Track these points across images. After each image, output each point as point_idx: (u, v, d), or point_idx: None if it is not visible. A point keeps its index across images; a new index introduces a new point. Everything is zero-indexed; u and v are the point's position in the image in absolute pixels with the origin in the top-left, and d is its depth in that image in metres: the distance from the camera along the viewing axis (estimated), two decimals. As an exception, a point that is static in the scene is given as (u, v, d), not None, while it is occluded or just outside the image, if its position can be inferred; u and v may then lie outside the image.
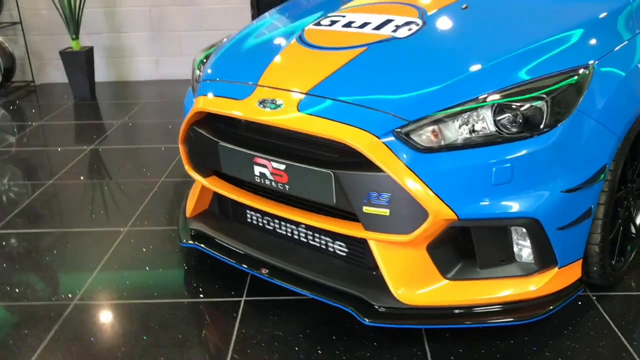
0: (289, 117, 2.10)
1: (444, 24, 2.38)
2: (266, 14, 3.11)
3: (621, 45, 2.19)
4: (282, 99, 2.16)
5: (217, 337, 2.18)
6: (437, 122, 1.94)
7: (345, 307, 2.10)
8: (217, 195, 2.63)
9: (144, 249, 2.82)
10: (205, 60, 2.78)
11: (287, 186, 2.17)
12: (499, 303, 2.04)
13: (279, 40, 2.57)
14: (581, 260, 2.13)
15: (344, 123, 1.99)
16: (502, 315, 2.03)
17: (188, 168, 2.62)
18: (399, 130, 1.93)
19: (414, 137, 1.94)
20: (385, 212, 1.96)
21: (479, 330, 2.11)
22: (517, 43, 2.14)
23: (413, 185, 1.89)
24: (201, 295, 2.43)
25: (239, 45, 2.71)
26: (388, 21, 2.42)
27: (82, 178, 3.68)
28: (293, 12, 3.03)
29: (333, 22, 2.54)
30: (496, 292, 2.04)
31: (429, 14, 2.44)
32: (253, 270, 2.36)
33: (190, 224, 2.66)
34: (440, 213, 1.90)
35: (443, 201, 1.90)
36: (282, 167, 2.14)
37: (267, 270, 2.33)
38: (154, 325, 2.24)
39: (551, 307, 2.06)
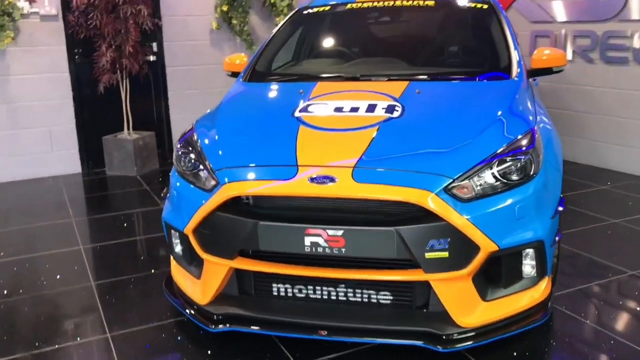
0: (349, 188, 2.44)
1: (418, 104, 2.97)
2: (222, 109, 3.32)
3: (533, 108, 3.05)
4: (334, 174, 2.49)
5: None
6: (469, 177, 2.49)
7: (415, 342, 2.47)
8: (236, 276, 2.74)
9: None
10: (186, 155, 2.90)
11: (343, 249, 2.47)
12: (521, 312, 2.62)
13: (281, 126, 2.88)
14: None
15: (403, 186, 2.42)
16: (526, 320, 2.62)
17: (204, 254, 2.69)
18: (449, 185, 2.44)
19: (455, 191, 2.46)
20: (445, 254, 2.42)
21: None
22: (482, 117, 2.84)
23: (467, 228, 2.40)
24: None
25: (240, 134, 2.93)
26: (373, 105, 2.92)
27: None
28: (255, 104, 3.36)
29: (321, 109, 2.94)
30: (518, 304, 2.62)
31: (398, 98, 3.02)
32: (311, 334, 2.56)
33: (212, 310, 2.71)
34: (487, 246, 2.43)
35: (489, 237, 2.44)
36: (339, 232, 2.45)
37: (325, 332, 2.55)
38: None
39: (549, 306, 2.72)
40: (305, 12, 4.16)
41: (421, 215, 2.42)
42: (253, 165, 2.66)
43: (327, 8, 4.11)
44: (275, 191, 2.53)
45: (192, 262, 2.91)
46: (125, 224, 4.51)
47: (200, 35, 6.41)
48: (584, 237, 3.92)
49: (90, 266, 3.73)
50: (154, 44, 6.17)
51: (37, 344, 2.81)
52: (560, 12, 5.92)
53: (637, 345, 2.66)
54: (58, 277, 3.58)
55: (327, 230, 2.46)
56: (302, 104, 3.03)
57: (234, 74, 4.03)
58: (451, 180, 2.46)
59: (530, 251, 2.62)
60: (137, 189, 5.51)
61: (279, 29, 4.12)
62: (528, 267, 2.65)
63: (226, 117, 3.16)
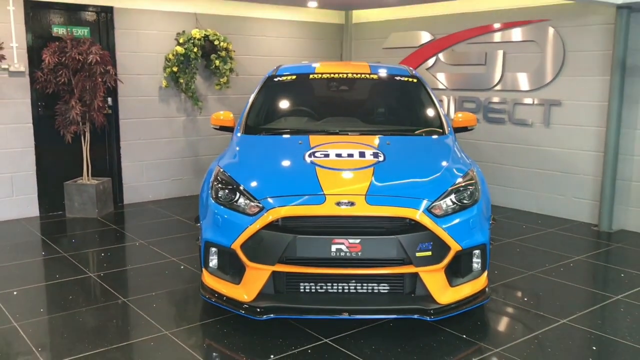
0: (365, 209, 3.53)
1: (393, 152, 4.12)
2: (242, 154, 4.29)
3: (464, 155, 4.33)
4: (353, 200, 3.55)
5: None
6: (440, 200, 3.66)
7: (412, 315, 3.54)
8: (272, 278, 3.65)
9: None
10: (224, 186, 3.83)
11: (359, 253, 3.52)
12: (473, 294, 3.79)
13: (301, 167, 3.91)
14: (486, 266, 4.10)
15: (401, 206, 3.54)
16: (476, 300, 3.79)
17: (250, 263, 3.60)
18: (429, 206, 3.59)
19: (433, 210, 3.62)
20: (429, 253, 3.55)
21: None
22: (439, 160, 4.07)
23: (443, 235, 3.55)
24: (292, 348, 3.45)
25: (268, 173, 3.95)
26: (362, 152, 4.05)
27: None
28: (266, 150, 4.37)
29: (326, 155, 4.01)
30: (470, 289, 3.78)
31: (377, 147, 4.16)
32: (335, 315, 3.55)
33: (256, 304, 3.60)
34: (455, 247, 3.60)
35: (455, 241, 3.61)
36: (357, 241, 3.51)
37: (347, 313, 3.55)
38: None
39: (487, 293, 3.92)
40: (275, 79, 5.22)
41: (413, 226, 3.55)
42: (289, 195, 3.65)
43: (294, 77, 5.21)
44: (313, 212, 3.54)
45: (229, 272, 3.79)
46: (124, 255, 5.18)
47: (150, 92, 7.19)
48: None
49: (142, 281, 4.41)
50: (109, 99, 6.86)
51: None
52: (451, 83, 7.50)
53: (551, 316, 3.94)
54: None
55: (348, 240, 3.51)
56: (309, 152, 4.08)
57: (222, 128, 4.95)
58: (431, 203, 3.63)
59: (477, 251, 3.83)
60: (105, 228, 6.12)
61: (256, 93, 5.10)
62: (475, 263, 3.86)
63: (249, 159, 4.15)
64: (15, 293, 4.30)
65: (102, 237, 5.83)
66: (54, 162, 6.66)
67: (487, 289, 3.91)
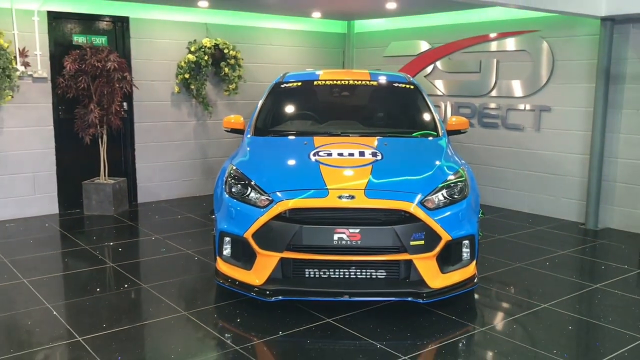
0: (364, 201, 3.93)
1: (390, 152, 4.53)
2: (252, 153, 4.70)
3: (456, 155, 4.73)
4: (353, 194, 3.95)
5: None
6: (432, 195, 4.06)
7: (406, 298, 3.93)
8: (280, 264, 4.04)
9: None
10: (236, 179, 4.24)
11: (359, 242, 3.91)
12: (462, 281, 4.18)
13: (306, 165, 4.31)
14: (475, 255, 4.49)
15: (397, 200, 3.94)
16: (465, 286, 4.18)
17: (260, 250, 4.00)
18: (422, 200, 3.98)
19: (425, 203, 4.01)
20: (422, 242, 3.95)
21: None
22: (432, 159, 4.47)
23: (434, 226, 3.95)
24: (299, 326, 3.85)
25: (276, 170, 4.35)
26: (362, 152, 4.45)
27: None
28: (274, 150, 4.77)
29: (329, 154, 4.41)
30: (460, 276, 4.17)
31: (375, 147, 4.56)
32: (338, 297, 3.94)
33: (266, 288, 3.99)
34: (445, 237, 3.99)
35: (446, 231, 4.00)
36: (357, 230, 3.90)
37: (347, 295, 3.94)
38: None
39: (475, 280, 4.30)
40: (282, 86, 5.63)
41: (407, 218, 3.95)
42: (296, 189, 4.05)
43: (300, 84, 5.63)
44: (317, 204, 3.94)
45: (241, 259, 4.19)
46: (141, 248, 5.59)
47: (163, 97, 7.62)
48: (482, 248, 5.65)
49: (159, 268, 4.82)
50: (124, 104, 7.28)
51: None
52: (448, 89, 7.92)
53: (534, 301, 4.33)
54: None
55: (349, 229, 3.90)
56: (313, 151, 4.48)
57: (233, 130, 5.37)
58: (424, 197, 4.03)
59: (466, 242, 4.21)
60: (122, 224, 6.53)
61: (264, 98, 5.52)
62: (465, 253, 4.24)
63: (259, 158, 4.56)
64: (45, 280, 4.70)
65: (120, 232, 6.24)
66: (73, 163, 7.08)
67: (475, 277, 4.30)
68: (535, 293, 4.50)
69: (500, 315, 4.17)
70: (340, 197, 3.96)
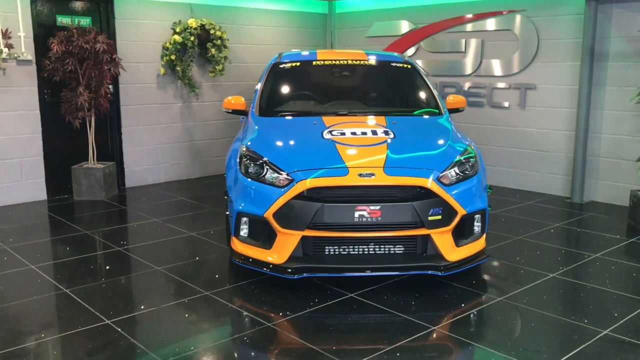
0: (384, 179, 4.01)
1: (401, 130, 4.61)
2: (263, 132, 4.70)
3: (461, 133, 4.85)
4: (373, 172, 4.03)
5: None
6: (446, 171, 4.17)
7: (425, 271, 4.05)
8: (301, 243, 4.09)
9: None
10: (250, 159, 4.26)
11: (379, 218, 4.00)
12: (475, 254, 4.32)
13: (321, 144, 4.35)
14: (485, 229, 4.63)
15: (415, 177, 4.03)
16: (478, 259, 4.33)
17: (282, 229, 4.03)
18: (439, 176, 4.09)
19: (441, 179, 4.12)
20: (439, 217, 4.06)
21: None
22: (442, 137, 4.58)
23: (451, 201, 4.06)
24: (325, 302, 3.92)
25: (292, 150, 4.41)
26: (374, 131, 4.52)
27: None
28: (284, 130, 4.80)
29: (342, 133, 4.46)
30: (472, 250, 4.31)
31: (386, 126, 4.63)
32: (360, 272, 4.02)
33: (288, 266, 4.04)
34: (461, 211, 4.12)
35: (461, 206, 4.12)
36: (378, 207, 3.98)
37: (369, 270, 4.03)
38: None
39: (486, 253, 4.45)
40: (281, 66, 5.63)
41: (424, 194, 4.05)
42: (316, 168, 4.09)
43: (298, 64, 5.64)
44: (338, 182, 4.00)
45: (260, 239, 4.22)
46: (144, 231, 5.55)
47: (149, 80, 7.50)
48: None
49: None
50: (110, 86, 7.13)
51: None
52: (432, 69, 8.04)
53: (542, 271, 4.51)
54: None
55: (369, 206, 3.98)
56: (326, 130, 4.52)
57: (235, 111, 5.35)
58: (440, 173, 4.13)
59: (478, 216, 4.35)
60: (115, 209, 6.45)
61: (265, 79, 5.51)
62: (476, 227, 4.38)
63: (271, 138, 4.57)
64: (55, 265, 4.63)
65: (117, 217, 6.17)
66: (60, 148, 6.92)
67: (485, 250, 4.45)
68: (540, 264, 4.68)
69: (513, 285, 4.32)
70: (360, 174, 4.03)
